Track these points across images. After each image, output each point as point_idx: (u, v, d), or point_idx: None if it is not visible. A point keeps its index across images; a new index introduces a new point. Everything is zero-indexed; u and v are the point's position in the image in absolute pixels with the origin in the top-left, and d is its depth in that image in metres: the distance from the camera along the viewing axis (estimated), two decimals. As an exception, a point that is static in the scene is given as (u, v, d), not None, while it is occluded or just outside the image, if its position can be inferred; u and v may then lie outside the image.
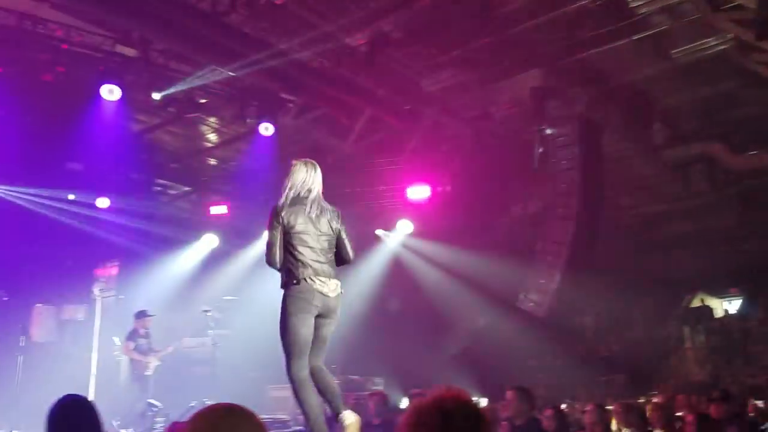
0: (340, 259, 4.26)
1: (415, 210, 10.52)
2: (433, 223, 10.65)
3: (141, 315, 8.99)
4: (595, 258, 9.87)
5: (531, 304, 9.70)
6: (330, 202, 4.32)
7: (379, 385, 9.64)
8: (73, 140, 9.80)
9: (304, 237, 4.10)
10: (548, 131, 9.78)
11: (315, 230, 4.13)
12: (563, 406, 7.18)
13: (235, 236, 11.98)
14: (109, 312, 9.20)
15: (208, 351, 9.46)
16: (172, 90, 9.27)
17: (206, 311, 9.42)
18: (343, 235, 4.25)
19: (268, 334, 9.96)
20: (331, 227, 4.19)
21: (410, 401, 7.68)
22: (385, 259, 10.71)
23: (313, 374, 4.14)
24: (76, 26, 8.56)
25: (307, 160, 4.30)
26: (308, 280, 4.04)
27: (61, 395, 2.94)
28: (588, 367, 10.31)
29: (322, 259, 4.12)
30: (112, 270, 11.86)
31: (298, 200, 4.16)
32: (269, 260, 4.16)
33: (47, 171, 10.63)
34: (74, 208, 11.27)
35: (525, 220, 11.06)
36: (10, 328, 8.59)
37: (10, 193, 10.38)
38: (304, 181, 4.18)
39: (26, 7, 8.15)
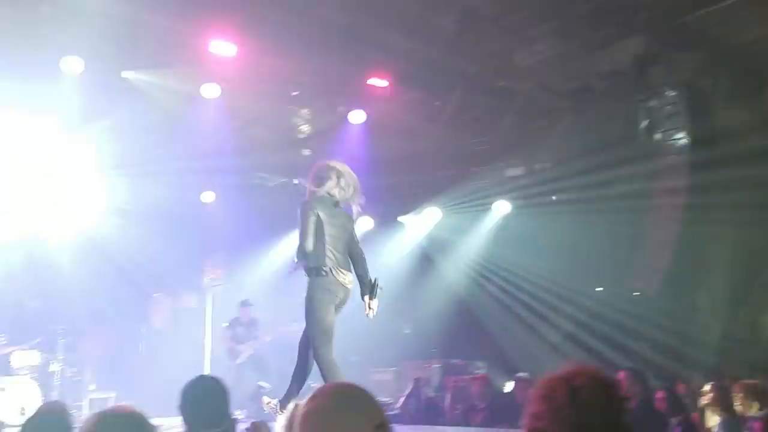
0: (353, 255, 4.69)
1: (511, 190, 10.28)
2: (532, 203, 10.37)
3: (243, 304, 9.44)
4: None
5: (640, 282, 9.27)
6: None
7: (481, 369, 9.54)
8: (179, 138, 10.35)
9: (332, 231, 4.53)
10: (652, 102, 9.24)
11: (339, 226, 4.59)
12: (678, 386, 6.80)
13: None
14: (219, 300, 9.65)
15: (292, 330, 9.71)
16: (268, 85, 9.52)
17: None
18: (355, 234, 4.77)
19: (365, 318, 10.10)
20: (348, 225, 4.71)
21: (515, 385, 7.54)
22: (482, 241, 10.53)
23: (328, 366, 4.48)
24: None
25: (338, 162, 4.89)
26: (333, 271, 4.46)
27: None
28: (702, 346, 9.72)
29: (342, 252, 4.55)
30: (219, 260, 12.44)
31: (328, 198, 4.65)
32: (304, 246, 4.47)
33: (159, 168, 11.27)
34: (184, 203, 11.89)
35: (630, 196, 10.52)
36: (132, 316, 9.22)
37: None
38: (334, 182, 4.70)
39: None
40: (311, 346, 4.46)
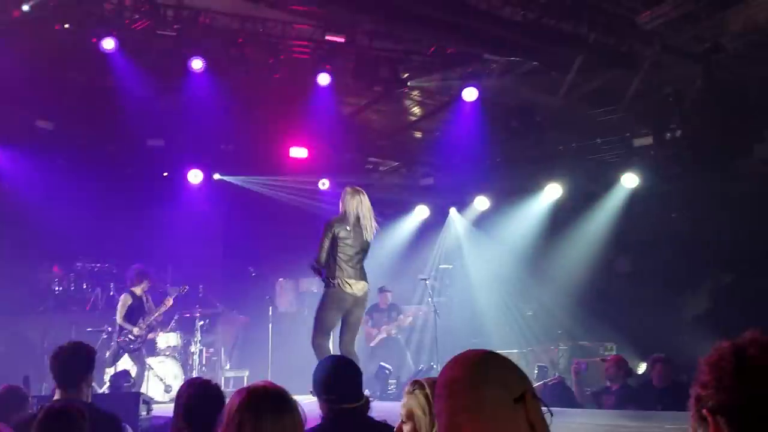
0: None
1: (640, 161, 9.62)
2: (661, 174, 9.66)
3: (380, 291, 9.67)
4: None
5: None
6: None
7: (611, 350, 9.09)
8: (294, 128, 10.66)
9: (345, 248, 5.52)
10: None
11: (355, 243, 5.56)
12: None
13: (445, 206, 12.10)
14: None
15: (428, 318, 9.75)
16: (377, 69, 9.55)
17: (424, 279, 9.71)
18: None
19: (487, 301, 9.89)
20: (366, 244, 5.68)
21: (650, 366, 7.10)
22: (610, 217, 9.94)
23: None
24: (285, 20, 9.13)
25: (356, 188, 5.87)
26: (341, 282, 5.44)
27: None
28: None
29: (355, 265, 5.53)
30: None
31: (345, 219, 5.63)
32: (317, 258, 5.56)
33: (276, 159, 11.71)
34: (301, 191, 12.28)
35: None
36: (260, 300, 9.69)
37: (250, 182, 11.59)
38: (352, 205, 5.68)
39: (246, 9, 8.91)
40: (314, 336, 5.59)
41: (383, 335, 9.54)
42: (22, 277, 9.07)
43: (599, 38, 8.84)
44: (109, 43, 8.42)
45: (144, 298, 8.56)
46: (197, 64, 9.03)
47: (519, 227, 10.83)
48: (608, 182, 10.13)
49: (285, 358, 9.16)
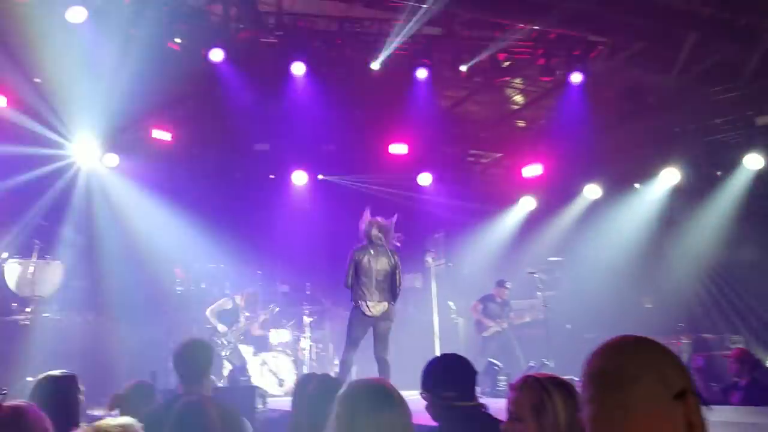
0: (393, 288, 6.34)
1: (764, 140, 8.82)
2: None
3: (499, 284, 9.60)
4: None
5: None
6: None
7: (737, 343, 8.43)
8: (394, 124, 10.70)
9: (366, 272, 6.22)
10: None
11: (377, 267, 6.25)
12: None
13: (553, 196, 11.70)
14: (441, 279, 9.79)
15: (538, 312, 9.48)
16: (476, 59, 9.39)
17: (532, 273, 9.45)
18: (397, 271, 6.35)
19: (600, 294, 9.44)
20: (388, 265, 6.30)
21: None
22: (732, 201, 9.20)
23: (379, 363, 6.34)
24: (381, 18, 9.16)
25: (378, 219, 6.41)
26: (361, 304, 6.24)
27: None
28: None
29: (376, 286, 6.22)
30: (440, 240, 12.66)
31: (367, 246, 6.31)
32: (345, 282, 6.35)
33: (376, 156, 11.82)
34: (402, 187, 12.31)
35: None
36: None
37: (352, 180, 11.78)
38: (374, 234, 6.30)
39: (343, 10, 9.03)
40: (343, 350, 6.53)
41: (497, 328, 9.44)
42: (147, 281, 9.69)
43: (714, 13, 8.21)
44: (217, 54, 8.83)
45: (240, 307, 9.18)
46: (298, 68, 9.26)
47: (633, 216, 10.27)
48: (729, 164, 9.39)
49: (393, 353, 9.21)
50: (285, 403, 6.68)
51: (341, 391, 2.03)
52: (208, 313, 9.07)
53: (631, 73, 9.31)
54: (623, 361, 1.28)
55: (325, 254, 12.51)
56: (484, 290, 9.89)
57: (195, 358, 3.54)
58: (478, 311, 9.65)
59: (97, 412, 4.80)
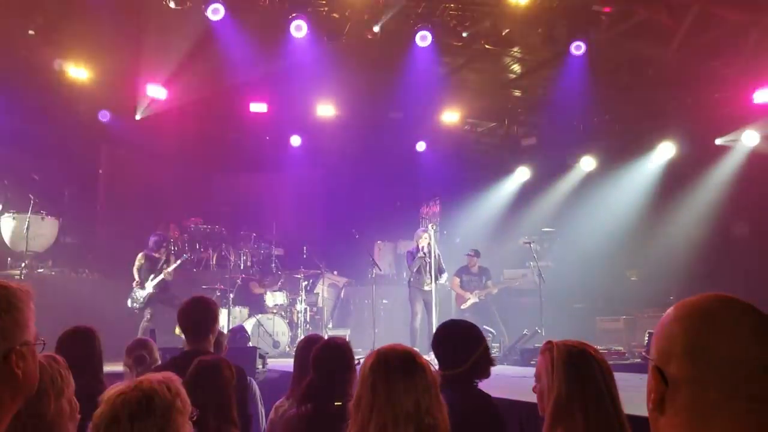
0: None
1: (764, 115, 8.83)
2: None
3: (470, 254, 9.58)
4: None
5: None
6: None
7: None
8: (393, 91, 10.61)
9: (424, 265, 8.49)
10: None
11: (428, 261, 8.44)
12: None
13: (547, 167, 11.74)
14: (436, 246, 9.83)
15: (532, 281, 9.56)
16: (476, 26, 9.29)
17: (527, 243, 9.49)
18: (441, 261, 8.72)
19: (591, 266, 9.50)
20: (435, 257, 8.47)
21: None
22: (728, 176, 9.25)
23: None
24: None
25: (428, 230, 8.66)
26: (416, 283, 8.62)
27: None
28: None
29: (429, 270, 8.36)
30: (435, 208, 12.72)
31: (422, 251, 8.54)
32: (409, 271, 8.83)
33: (376, 122, 11.78)
34: (397, 154, 12.30)
35: None
36: (361, 261, 9.87)
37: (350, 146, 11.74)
38: (427, 243, 8.54)
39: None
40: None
41: (474, 299, 9.44)
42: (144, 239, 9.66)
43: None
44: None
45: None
46: (298, 29, 9.10)
47: (628, 188, 10.32)
48: (727, 139, 9.41)
49: (386, 318, 9.33)
50: (280, 364, 6.80)
51: (370, 359, 2.08)
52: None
53: (632, 45, 9.25)
54: (689, 327, 1.11)
55: (322, 217, 12.57)
56: (482, 259, 9.90)
57: (199, 314, 3.56)
58: (456, 285, 9.62)
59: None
